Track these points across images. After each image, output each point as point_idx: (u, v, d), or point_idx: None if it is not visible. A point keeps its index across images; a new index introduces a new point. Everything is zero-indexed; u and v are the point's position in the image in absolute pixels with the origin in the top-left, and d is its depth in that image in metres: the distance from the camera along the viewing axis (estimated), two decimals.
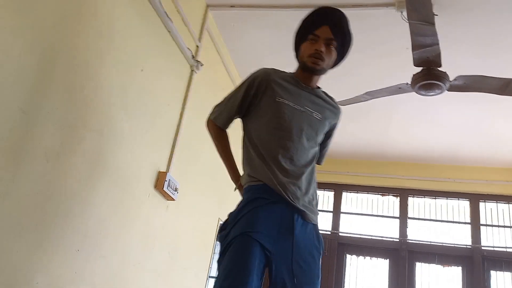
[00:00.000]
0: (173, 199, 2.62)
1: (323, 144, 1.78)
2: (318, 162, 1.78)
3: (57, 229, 1.74)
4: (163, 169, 2.56)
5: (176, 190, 2.62)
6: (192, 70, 2.86)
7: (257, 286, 1.41)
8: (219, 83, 3.43)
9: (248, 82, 1.68)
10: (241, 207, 1.54)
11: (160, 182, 2.48)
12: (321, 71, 1.67)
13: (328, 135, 1.77)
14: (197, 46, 2.95)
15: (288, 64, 1.78)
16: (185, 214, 2.89)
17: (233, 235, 1.47)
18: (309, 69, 1.64)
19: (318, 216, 1.64)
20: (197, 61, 2.87)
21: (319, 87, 1.74)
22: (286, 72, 1.74)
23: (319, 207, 1.79)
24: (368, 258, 4.74)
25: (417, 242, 4.65)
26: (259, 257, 1.43)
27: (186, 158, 2.85)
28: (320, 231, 1.64)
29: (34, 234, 1.62)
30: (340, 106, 1.79)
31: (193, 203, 3.01)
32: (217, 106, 1.77)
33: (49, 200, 1.69)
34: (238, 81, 3.76)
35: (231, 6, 3.09)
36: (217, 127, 1.75)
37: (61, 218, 1.76)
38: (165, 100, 2.57)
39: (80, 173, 1.86)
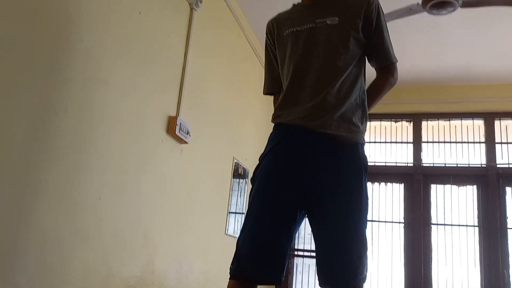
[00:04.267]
0: (186, 142, 2.65)
1: (371, 41, 1.53)
2: (380, 62, 1.58)
3: (75, 181, 1.78)
4: (173, 114, 2.56)
5: (188, 133, 2.64)
6: (191, 8, 2.76)
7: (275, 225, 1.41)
8: (222, 21, 3.31)
9: (266, 39, 1.72)
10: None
11: (172, 126, 2.49)
12: None
13: (368, 29, 1.52)
14: None
15: None
16: (200, 155, 2.93)
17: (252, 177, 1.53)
18: None
19: (360, 133, 1.47)
20: None
21: None
22: (294, 5, 1.68)
23: None
24: (383, 184, 4.82)
25: (432, 165, 4.69)
26: (274, 198, 1.43)
27: (195, 100, 2.83)
28: None
29: (54, 188, 1.67)
30: None
31: (207, 144, 3.04)
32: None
33: (64, 154, 1.72)
34: (242, 18, 3.64)
35: None
36: (272, 96, 1.75)
37: (79, 170, 1.80)
38: (166, 42, 2.51)
39: (91, 125, 1.87)
